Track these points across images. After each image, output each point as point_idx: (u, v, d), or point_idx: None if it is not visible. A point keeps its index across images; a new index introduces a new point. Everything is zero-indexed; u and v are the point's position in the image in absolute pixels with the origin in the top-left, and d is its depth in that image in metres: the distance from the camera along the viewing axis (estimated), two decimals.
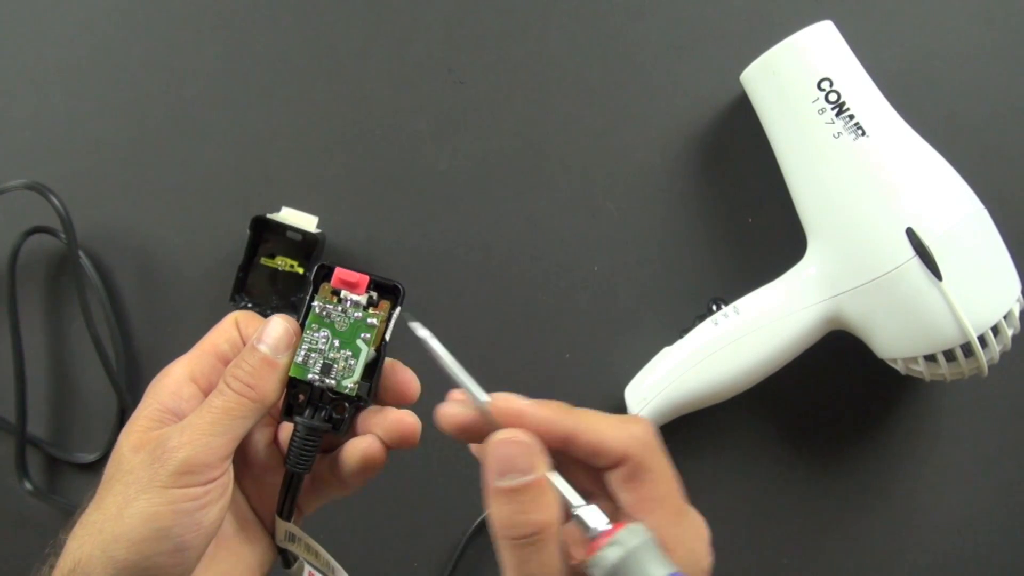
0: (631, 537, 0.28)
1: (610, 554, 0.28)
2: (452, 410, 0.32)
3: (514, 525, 0.29)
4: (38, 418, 0.58)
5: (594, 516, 0.30)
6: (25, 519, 0.58)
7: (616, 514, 0.31)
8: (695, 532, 0.32)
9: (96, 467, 0.57)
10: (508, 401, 0.31)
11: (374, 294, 0.35)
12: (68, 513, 0.58)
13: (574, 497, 0.30)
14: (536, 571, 0.29)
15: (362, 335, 0.35)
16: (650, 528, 0.29)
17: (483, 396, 0.31)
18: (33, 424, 0.57)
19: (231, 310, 0.53)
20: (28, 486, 0.57)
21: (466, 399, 0.32)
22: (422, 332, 0.32)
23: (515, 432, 0.30)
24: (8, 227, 0.56)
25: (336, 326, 0.35)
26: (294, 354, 0.34)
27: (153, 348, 0.57)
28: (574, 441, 0.31)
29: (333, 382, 0.34)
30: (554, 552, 0.29)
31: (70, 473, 0.58)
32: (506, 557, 0.29)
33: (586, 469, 0.32)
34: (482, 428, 0.31)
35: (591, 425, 0.31)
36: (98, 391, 0.57)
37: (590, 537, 0.29)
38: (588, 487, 0.32)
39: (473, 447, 0.34)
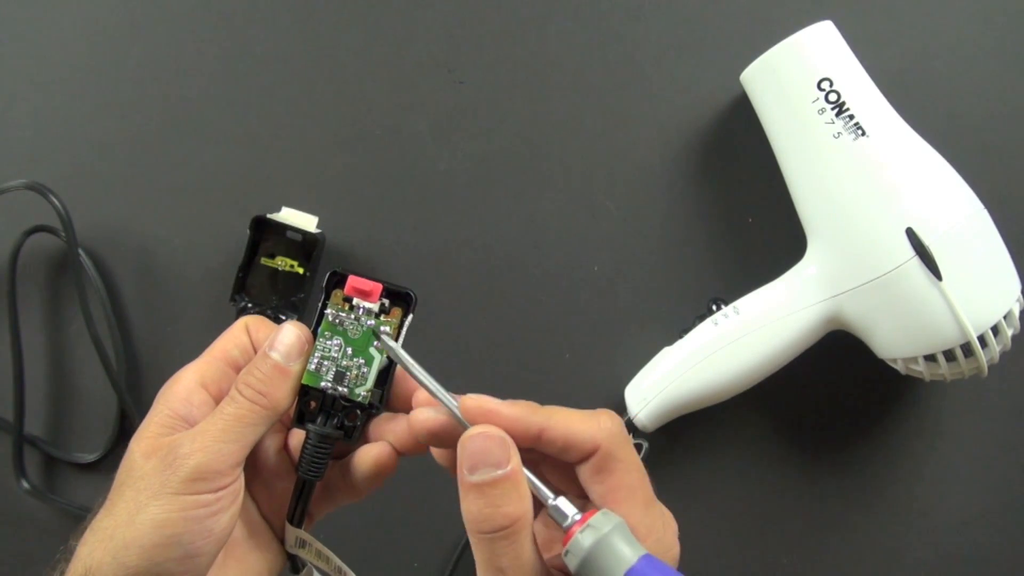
0: (604, 522, 0.29)
1: (585, 538, 0.29)
2: (424, 415, 0.33)
3: (486, 519, 0.30)
4: (38, 418, 0.58)
5: (567, 506, 0.31)
6: (23, 519, 0.58)
7: (586, 508, 0.31)
8: (664, 522, 0.32)
9: (95, 467, 0.57)
10: (479, 401, 0.31)
11: (386, 301, 0.35)
12: (67, 513, 0.58)
13: (546, 491, 0.31)
14: (509, 564, 0.29)
15: (375, 343, 0.35)
16: (621, 516, 0.30)
17: (452, 399, 0.32)
18: (33, 424, 0.57)
19: (231, 310, 0.54)
20: (26, 485, 0.57)
21: (436, 404, 0.32)
22: (389, 343, 0.34)
23: (488, 427, 0.31)
24: (8, 227, 0.56)
25: (349, 334, 0.35)
26: (307, 362, 0.34)
27: (153, 348, 0.57)
28: (545, 436, 0.31)
29: (346, 390, 0.34)
30: (527, 545, 0.30)
31: (69, 473, 0.58)
32: (479, 552, 0.30)
33: (554, 467, 0.33)
34: (453, 432, 0.32)
35: (561, 420, 0.31)
36: (98, 391, 0.57)
37: (565, 527, 0.30)
38: (557, 485, 0.33)
39: (436, 454, 0.34)
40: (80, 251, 0.55)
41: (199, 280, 0.56)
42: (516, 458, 0.30)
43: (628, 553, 0.29)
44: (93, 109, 0.57)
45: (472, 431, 0.31)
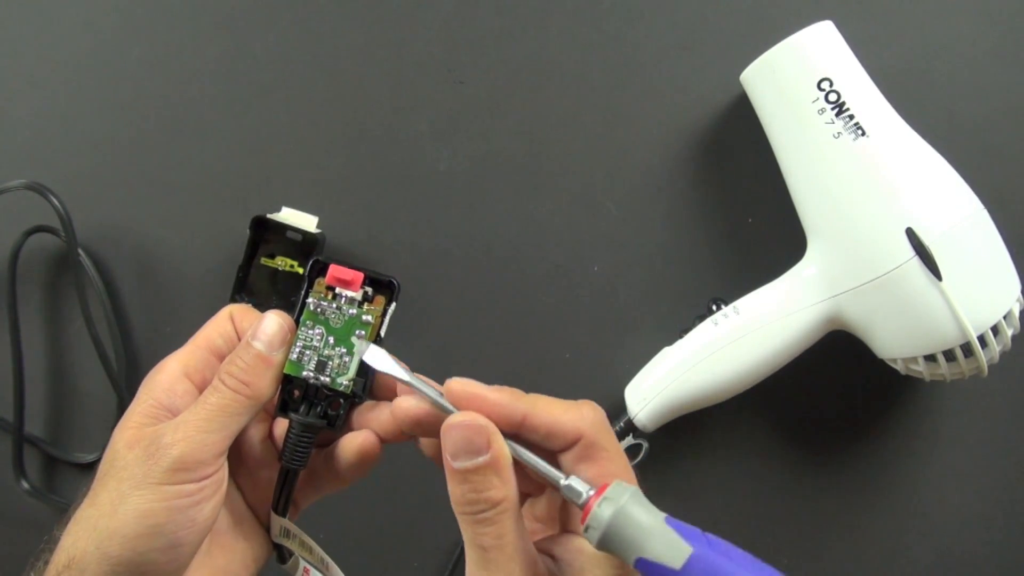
0: (620, 492, 0.30)
1: (604, 511, 0.29)
2: (406, 404, 0.33)
3: (469, 502, 0.30)
4: (37, 418, 0.58)
5: (579, 483, 0.31)
6: (23, 519, 0.58)
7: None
8: None
9: (95, 467, 0.57)
10: (464, 385, 0.32)
11: (369, 290, 0.35)
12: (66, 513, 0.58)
13: (555, 473, 0.31)
14: (492, 544, 0.30)
15: (357, 332, 0.35)
16: None
17: (435, 387, 0.32)
18: (33, 424, 0.57)
19: None
20: (26, 485, 0.57)
21: (419, 394, 0.33)
22: (360, 345, 0.34)
23: (470, 414, 0.31)
24: (8, 227, 0.56)
25: (331, 323, 0.35)
26: (289, 351, 0.34)
27: (153, 348, 0.57)
28: (528, 423, 0.31)
29: (328, 379, 0.35)
30: (510, 526, 0.30)
31: (69, 473, 0.58)
32: (464, 530, 0.31)
33: (543, 454, 0.33)
34: (436, 420, 0.32)
35: (544, 407, 0.32)
36: (98, 391, 0.57)
37: (581, 504, 0.30)
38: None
39: (423, 446, 0.35)
40: (80, 251, 0.55)
41: (199, 280, 0.56)
42: (497, 444, 0.31)
43: (648, 519, 0.29)
44: (93, 109, 0.57)
45: (454, 418, 0.31)
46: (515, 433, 0.32)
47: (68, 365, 0.58)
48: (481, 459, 0.30)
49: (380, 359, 0.34)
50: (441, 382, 0.32)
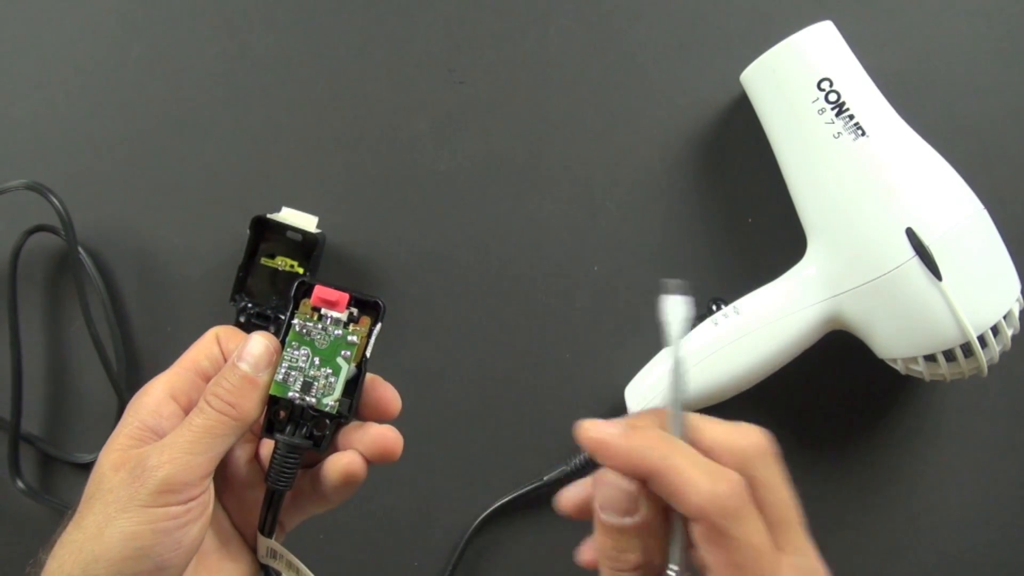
0: None
1: None
2: (570, 492, 0.33)
3: (610, 559, 0.30)
4: (37, 417, 0.58)
5: None
6: (19, 519, 0.58)
7: None
8: None
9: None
10: (592, 431, 0.30)
11: (354, 310, 0.35)
12: (62, 514, 0.57)
13: (675, 556, 0.29)
14: None
15: (342, 352, 0.35)
16: None
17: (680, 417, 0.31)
18: (32, 423, 0.57)
19: (231, 310, 0.54)
20: (21, 485, 0.56)
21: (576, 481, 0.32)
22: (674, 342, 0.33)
23: (619, 478, 0.29)
24: (8, 227, 0.56)
25: (316, 344, 0.35)
26: (275, 372, 0.34)
27: (153, 348, 0.57)
28: (656, 480, 0.29)
29: (313, 400, 0.35)
30: None
31: (68, 473, 0.58)
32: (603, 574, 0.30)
33: None
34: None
35: (677, 466, 0.28)
36: (97, 391, 0.57)
37: None
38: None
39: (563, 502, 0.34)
40: (80, 251, 0.55)
41: (199, 280, 0.56)
42: (644, 511, 0.29)
43: None
44: (93, 109, 0.57)
45: (604, 475, 0.30)
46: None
47: (68, 365, 0.58)
48: (628, 521, 0.29)
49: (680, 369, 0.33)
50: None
